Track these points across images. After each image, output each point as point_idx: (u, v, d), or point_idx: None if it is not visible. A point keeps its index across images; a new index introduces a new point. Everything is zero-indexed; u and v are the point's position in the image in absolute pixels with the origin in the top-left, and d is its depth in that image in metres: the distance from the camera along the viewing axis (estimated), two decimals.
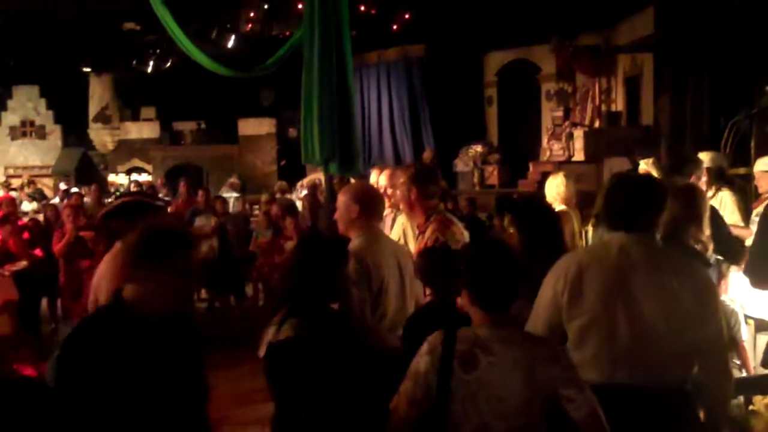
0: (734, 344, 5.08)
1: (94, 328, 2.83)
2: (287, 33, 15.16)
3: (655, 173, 6.50)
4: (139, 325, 2.80)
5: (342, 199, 4.32)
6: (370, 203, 4.26)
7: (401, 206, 4.90)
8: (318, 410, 2.98)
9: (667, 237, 3.76)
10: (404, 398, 2.85)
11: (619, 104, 15.68)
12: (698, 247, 4.17)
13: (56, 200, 16.16)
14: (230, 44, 16.90)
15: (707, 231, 4.15)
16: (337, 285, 3.32)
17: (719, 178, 6.54)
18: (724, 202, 6.29)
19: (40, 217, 11.61)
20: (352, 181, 8.63)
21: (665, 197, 3.38)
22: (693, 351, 3.18)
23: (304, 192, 13.79)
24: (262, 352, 3.12)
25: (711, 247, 4.33)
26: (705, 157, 6.66)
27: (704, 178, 5.34)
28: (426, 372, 2.81)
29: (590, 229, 6.36)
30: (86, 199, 12.93)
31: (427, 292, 3.90)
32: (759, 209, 5.56)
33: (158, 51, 18.79)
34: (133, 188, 17.98)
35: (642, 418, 2.95)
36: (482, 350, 2.78)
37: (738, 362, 5.13)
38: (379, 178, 5.97)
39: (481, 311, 2.88)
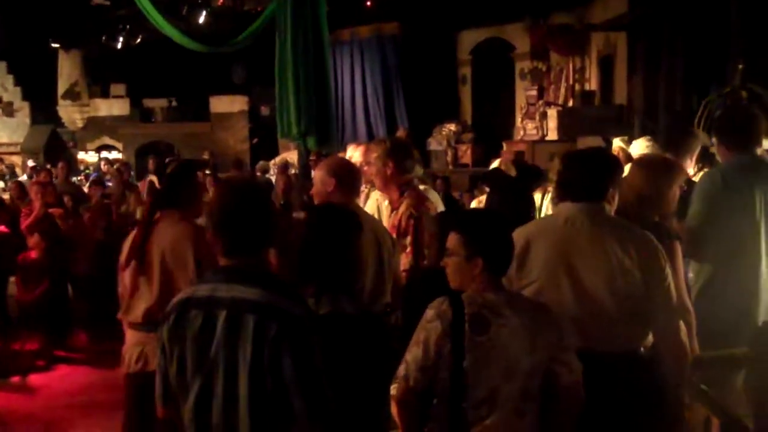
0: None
1: None
2: (259, 8, 14.94)
3: (629, 151, 6.50)
4: None
5: (318, 173, 4.26)
6: (346, 177, 4.19)
7: (375, 182, 4.83)
8: (349, 386, 2.90)
9: (632, 209, 3.81)
10: (413, 365, 2.86)
11: (592, 83, 15.69)
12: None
13: (24, 177, 15.96)
14: (201, 20, 16.65)
15: (673, 206, 4.11)
16: (357, 256, 3.30)
17: (703, 157, 6.54)
18: None
19: (6, 195, 11.45)
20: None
21: (614, 169, 3.49)
22: (642, 317, 3.28)
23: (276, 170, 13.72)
24: None
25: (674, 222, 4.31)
26: None
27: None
28: (437, 338, 2.83)
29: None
30: (55, 177, 12.71)
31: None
32: None
33: (128, 26, 18.49)
34: (103, 166, 17.73)
35: (595, 384, 2.98)
36: (492, 313, 2.84)
37: None
38: (354, 154, 5.90)
39: (489, 275, 2.93)
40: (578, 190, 3.38)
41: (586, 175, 3.40)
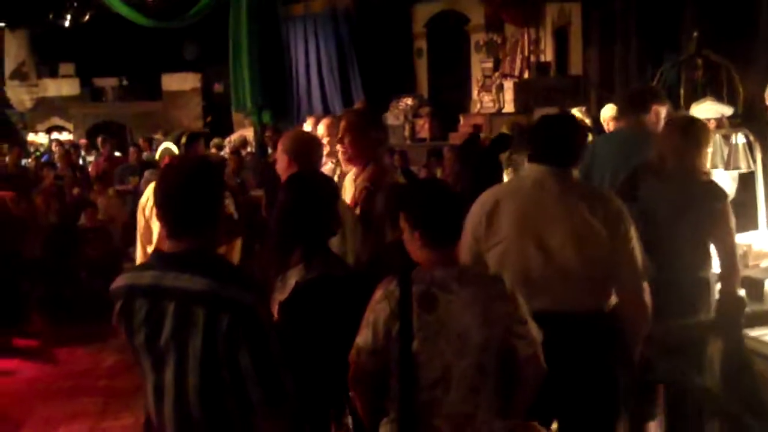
0: None
1: None
2: None
3: (587, 122, 6.52)
4: None
5: (278, 150, 4.21)
6: (300, 151, 4.11)
7: (340, 154, 4.73)
8: (335, 348, 2.89)
9: (673, 167, 3.96)
10: (365, 347, 2.77)
11: (548, 55, 15.68)
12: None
13: None
14: None
15: (708, 163, 4.23)
16: (336, 220, 3.27)
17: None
18: None
19: None
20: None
21: (584, 135, 3.59)
22: (607, 278, 3.35)
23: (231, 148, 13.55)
24: (282, 296, 3.01)
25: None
26: None
27: (664, 114, 5.18)
28: (385, 318, 2.74)
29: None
30: (5, 159, 12.43)
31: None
32: None
33: (75, 3, 18.09)
34: (54, 147, 17.38)
35: (559, 343, 2.98)
36: (440, 289, 2.75)
37: None
38: (317, 128, 5.76)
39: (433, 250, 2.83)
40: (549, 153, 3.42)
41: (559, 139, 3.45)
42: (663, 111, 4.94)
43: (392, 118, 17.09)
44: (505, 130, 8.89)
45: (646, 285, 3.43)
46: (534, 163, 3.49)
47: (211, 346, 2.43)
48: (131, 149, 12.57)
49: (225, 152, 13.92)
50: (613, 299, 3.44)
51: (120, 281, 2.61)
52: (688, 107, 6.77)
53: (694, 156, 4.05)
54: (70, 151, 12.87)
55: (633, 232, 3.38)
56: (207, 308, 2.42)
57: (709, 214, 3.96)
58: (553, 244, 3.30)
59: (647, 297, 3.41)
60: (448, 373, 2.73)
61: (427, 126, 16.79)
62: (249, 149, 14.34)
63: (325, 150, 4.97)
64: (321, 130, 5.55)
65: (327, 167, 5.18)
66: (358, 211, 4.26)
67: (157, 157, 8.79)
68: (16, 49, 22.47)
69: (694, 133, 4.09)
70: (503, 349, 2.78)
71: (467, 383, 2.74)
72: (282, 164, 4.09)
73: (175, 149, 7.10)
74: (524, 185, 3.48)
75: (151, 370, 2.55)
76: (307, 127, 5.89)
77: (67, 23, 18.88)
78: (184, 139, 6.34)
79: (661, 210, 3.95)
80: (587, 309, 3.32)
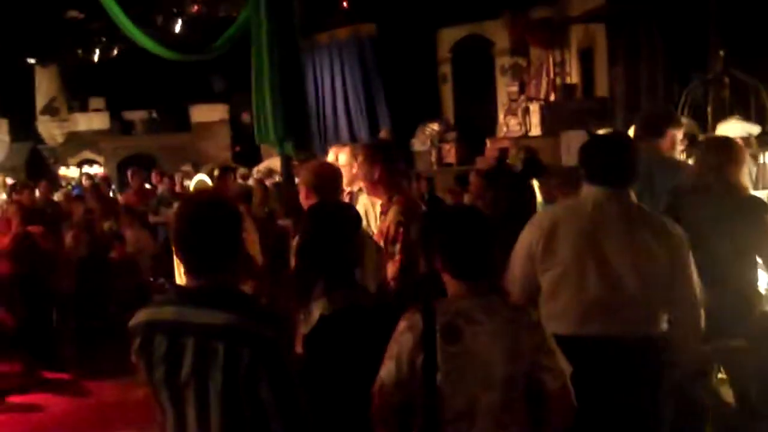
0: None
1: None
2: (235, 13, 14.82)
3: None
4: None
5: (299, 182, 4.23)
6: (317, 183, 4.12)
7: (362, 185, 4.71)
8: (361, 381, 2.84)
9: (714, 185, 4.02)
10: (388, 380, 2.73)
11: (573, 77, 15.64)
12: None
13: (3, 197, 15.76)
14: (177, 29, 16.54)
15: (748, 181, 4.28)
16: (358, 251, 3.25)
17: (691, 145, 6.49)
18: None
19: None
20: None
21: (637, 156, 3.51)
22: (664, 306, 3.32)
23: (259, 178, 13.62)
24: (306, 329, 3.00)
25: None
26: None
27: (680, 137, 5.15)
28: (409, 350, 2.70)
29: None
30: (36, 194, 12.55)
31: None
32: None
33: (104, 39, 18.33)
34: (84, 181, 17.56)
35: (610, 369, 3.01)
36: (465, 320, 2.70)
37: None
38: (338, 156, 5.76)
39: (459, 281, 2.79)
40: (607, 174, 3.38)
41: (616, 159, 3.40)
42: (679, 134, 4.91)
43: (419, 144, 17.11)
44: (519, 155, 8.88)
45: (702, 312, 3.39)
46: (592, 185, 3.43)
47: (232, 381, 2.41)
48: (165, 179, 12.68)
49: (252, 182, 14.00)
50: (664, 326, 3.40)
51: (139, 317, 2.60)
52: (715, 126, 6.71)
53: (734, 173, 4.06)
54: (99, 184, 12.97)
55: (691, 259, 3.34)
56: (227, 343, 2.41)
57: (754, 226, 3.95)
58: (614, 268, 3.27)
59: (703, 323, 3.38)
60: (473, 406, 2.68)
61: (453, 151, 16.77)
62: (277, 179, 14.41)
63: (345, 179, 4.96)
64: (342, 159, 5.55)
65: (348, 197, 5.17)
66: (398, 246, 4.24)
67: (191, 188, 8.87)
68: (46, 85, 22.77)
69: (732, 150, 4.09)
70: (530, 382, 2.72)
71: (493, 417, 2.68)
72: (302, 196, 4.10)
73: (209, 181, 7.19)
74: (584, 207, 3.42)
75: (171, 407, 2.53)
76: (330, 157, 5.90)
77: (96, 58, 19.14)
78: (216, 172, 6.47)
79: (705, 227, 3.93)
80: (641, 335, 3.28)
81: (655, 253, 3.25)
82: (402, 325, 2.77)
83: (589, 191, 3.44)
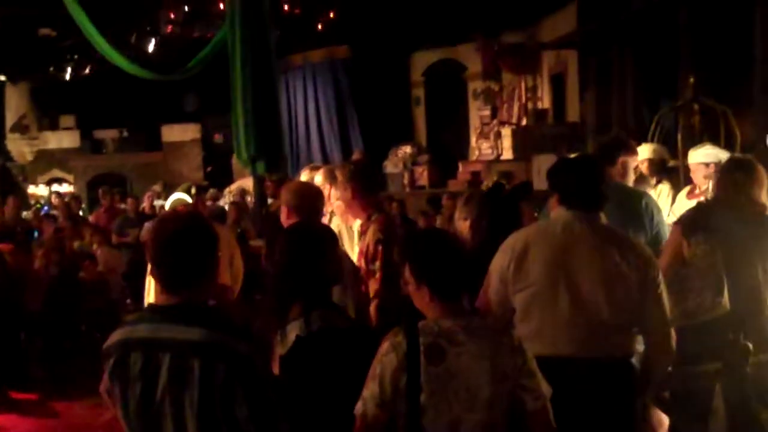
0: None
1: None
2: (209, 35, 14.84)
3: (651, 156, 6.59)
4: None
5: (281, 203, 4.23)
6: (298, 203, 4.13)
7: (340, 205, 4.73)
8: (338, 402, 2.85)
9: (741, 201, 4.06)
10: (371, 401, 2.71)
11: (545, 101, 15.81)
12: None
13: None
14: (151, 48, 16.50)
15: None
16: (336, 271, 3.25)
17: (661, 170, 6.58)
18: (661, 195, 6.34)
19: None
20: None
21: (604, 178, 3.64)
22: (635, 325, 3.36)
23: (232, 198, 13.60)
24: (282, 350, 2.99)
25: None
26: (647, 148, 6.72)
27: (635, 165, 5.21)
28: (393, 371, 2.70)
29: None
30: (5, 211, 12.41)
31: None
32: (692, 202, 5.54)
33: (76, 57, 18.25)
34: (54, 200, 17.41)
35: (583, 389, 3.02)
36: (448, 341, 2.71)
37: None
38: (314, 177, 5.78)
39: (440, 303, 2.81)
40: (576, 198, 3.44)
41: (585, 183, 3.47)
42: (632, 161, 5.00)
43: (391, 166, 17.17)
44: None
45: (672, 332, 3.43)
46: (562, 208, 3.49)
47: (208, 397, 2.41)
48: (129, 200, 12.62)
49: (224, 202, 13.96)
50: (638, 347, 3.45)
51: (113, 338, 2.60)
52: (685, 152, 6.80)
53: (756, 192, 4.12)
54: (70, 203, 12.86)
55: (661, 278, 3.39)
56: (202, 358, 2.41)
57: None
58: (583, 289, 3.31)
59: (673, 344, 3.42)
60: (456, 427, 2.68)
61: (426, 174, 16.84)
62: (249, 198, 14.40)
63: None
64: (318, 180, 5.56)
65: (324, 218, 5.17)
66: (378, 264, 4.26)
67: (167, 207, 8.80)
68: (17, 102, 22.57)
69: (755, 171, 4.18)
70: (512, 403, 2.74)
71: None
72: (283, 216, 4.11)
73: (188, 198, 7.19)
74: (554, 229, 3.46)
75: (144, 426, 2.52)
76: (303, 177, 5.92)
77: (67, 76, 19.03)
78: (193, 190, 6.47)
79: (737, 239, 4.01)
80: (613, 356, 3.32)
81: (624, 274, 3.30)
82: (385, 345, 2.76)
83: (559, 214, 3.50)
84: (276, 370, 2.94)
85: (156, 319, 2.54)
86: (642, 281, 3.31)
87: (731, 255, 3.94)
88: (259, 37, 7.36)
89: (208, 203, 13.07)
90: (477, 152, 16.82)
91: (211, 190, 15.72)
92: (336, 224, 5.21)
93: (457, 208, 4.55)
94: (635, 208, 4.54)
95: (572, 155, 6.88)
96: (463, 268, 2.88)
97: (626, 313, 3.31)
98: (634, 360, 3.45)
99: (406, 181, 16.95)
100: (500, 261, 3.44)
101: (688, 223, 4.13)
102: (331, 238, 3.33)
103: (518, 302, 3.39)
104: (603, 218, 3.48)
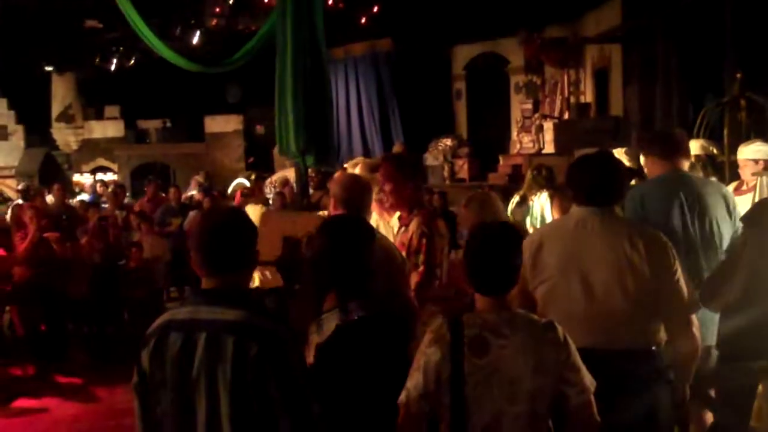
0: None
1: None
2: (253, 28, 14.94)
3: (626, 163, 6.45)
4: None
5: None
6: (344, 196, 4.12)
7: (380, 198, 4.74)
8: (376, 392, 2.88)
9: None
10: (414, 392, 2.76)
11: (588, 95, 15.69)
12: None
13: (20, 201, 15.84)
14: (195, 40, 16.65)
15: None
16: (371, 263, 3.24)
17: (709, 165, 6.49)
18: None
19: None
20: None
21: (623, 174, 3.66)
22: (653, 314, 3.36)
23: (274, 188, 13.67)
24: (320, 339, 3.00)
25: None
26: (696, 143, 6.62)
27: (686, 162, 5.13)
28: (437, 362, 2.73)
29: None
30: (49, 199, 12.62)
31: None
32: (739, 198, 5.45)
33: (121, 48, 18.49)
34: (98, 188, 17.66)
35: (605, 380, 2.96)
36: (492, 334, 2.74)
37: None
38: (355, 171, 5.81)
39: (484, 296, 2.84)
40: (589, 195, 3.47)
41: (598, 181, 3.49)
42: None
43: (431, 159, 17.16)
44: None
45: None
46: (577, 204, 3.53)
47: (241, 375, 2.49)
48: (172, 190, 12.75)
49: (267, 192, 14.05)
50: (663, 336, 3.43)
51: (157, 321, 2.71)
52: (732, 148, 6.71)
53: None
54: (117, 191, 13.02)
55: (678, 266, 3.39)
56: (236, 336, 2.50)
57: None
58: (596, 282, 3.33)
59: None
60: (499, 419, 2.70)
61: (466, 167, 16.83)
62: (290, 189, 14.48)
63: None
64: (359, 172, 5.59)
65: None
66: (422, 257, 4.28)
67: (229, 191, 8.89)
68: (63, 92, 22.92)
69: None
70: (555, 397, 2.74)
71: (519, 430, 2.71)
72: (331, 208, 4.13)
73: (247, 183, 7.31)
74: (567, 225, 3.53)
75: (179, 403, 2.59)
76: (351, 170, 5.94)
77: (112, 67, 19.29)
78: (253, 176, 6.46)
79: None
80: (633, 346, 3.32)
81: (638, 267, 3.31)
82: (428, 337, 2.80)
83: (574, 210, 3.55)
84: (311, 358, 2.97)
85: (198, 301, 2.66)
86: (656, 270, 3.32)
87: None
88: (310, 29, 7.38)
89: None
90: (518, 146, 16.77)
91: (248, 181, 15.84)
92: (374, 218, 5.22)
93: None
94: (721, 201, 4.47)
95: (617, 150, 6.86)
96: (508, 263, 2.86)
97: (642, 303, 3.32)
98: (660, 349, 3.42)
99: (446, 174, 16.94)
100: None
101: (744, 219, 4.07)
102: (367, 231, 3.33)
103: (538, 297, 3.45)
104: (617, 211, 3.51)
